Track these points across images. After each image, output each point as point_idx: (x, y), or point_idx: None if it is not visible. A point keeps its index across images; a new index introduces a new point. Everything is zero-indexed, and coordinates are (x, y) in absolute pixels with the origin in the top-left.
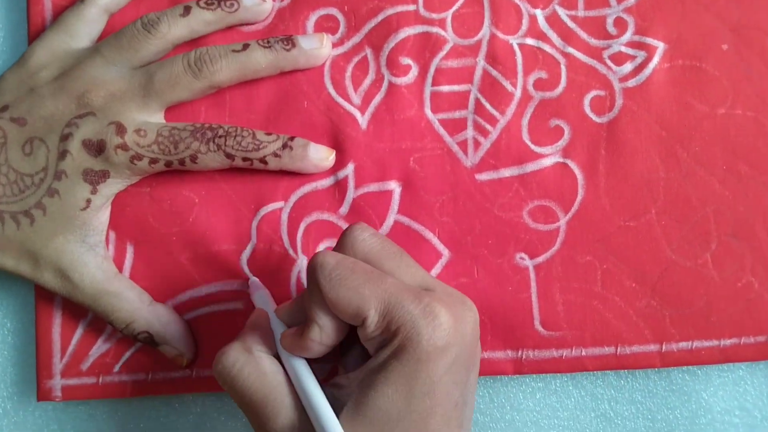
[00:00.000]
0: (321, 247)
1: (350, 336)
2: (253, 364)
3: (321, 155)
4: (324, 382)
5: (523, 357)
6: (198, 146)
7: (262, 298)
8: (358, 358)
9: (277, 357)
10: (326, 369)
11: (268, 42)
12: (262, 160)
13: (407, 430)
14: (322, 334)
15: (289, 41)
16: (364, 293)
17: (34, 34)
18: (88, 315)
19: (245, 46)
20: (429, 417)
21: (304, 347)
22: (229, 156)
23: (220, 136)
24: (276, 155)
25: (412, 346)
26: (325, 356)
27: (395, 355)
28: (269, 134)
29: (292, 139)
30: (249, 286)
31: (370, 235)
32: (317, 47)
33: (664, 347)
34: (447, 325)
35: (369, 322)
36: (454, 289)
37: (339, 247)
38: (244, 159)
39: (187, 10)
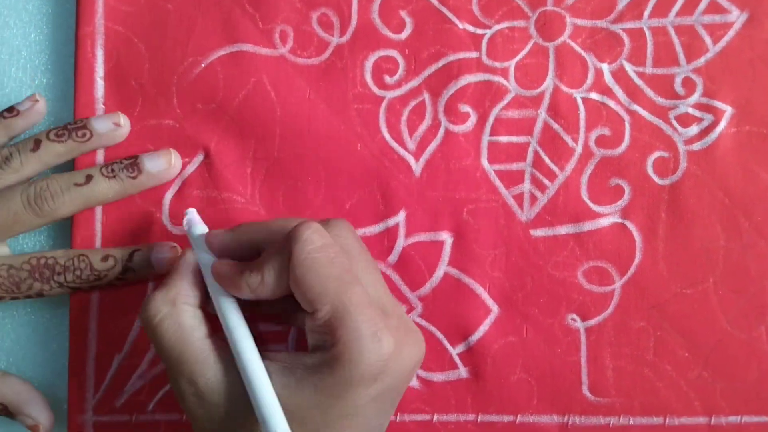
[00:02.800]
0: None
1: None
2: (173, 318)
3: (161, 166)
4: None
5: (570, 422)
6: (40, 286)
7: (194, 227)
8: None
9: (203, 310)
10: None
11: (112, 171)
12: (112, 284)
13: None
14: (261, 286)
15: (135, 167)
16: (329, 288)
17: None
18: (123, 349)
19: (88, 178)
20: None
21: (236, 286)
22: (75, 289)
23: (58, 273)
24: (120, 278)
25: (348, 364)
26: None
27: (329, 364)
28: (105, 259)
29: (131, 257)
30: (186, 221)
31: (352, 234)
32: (165, 168)
33: (713, 420)
34: (387, 355)
35: (319, 316)
36: (410, 319)
37: (327, 227)
38: (92, 287)
39: (36, 143)
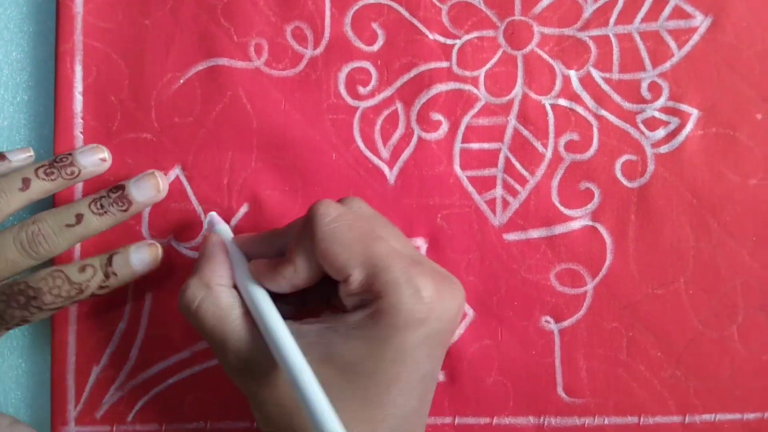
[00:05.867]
0: None
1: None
2: (212, 299)
3: (149, 194)
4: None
5: (545, 423)
6: (21, 313)
7: (222, 229)
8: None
9: (233, 287)
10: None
11: (102, 207)
12: (95, 295)
13: (368, 389)
14: (296, 274)
15: (124, 200)
16: (355, 250)
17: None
18: (101, 362)
19: (79, 218)
20: (393, 382)
21: (273, 281)
22: (56, 309)
23: (33, 297)
24: (103, 286)
25: (391, 312)
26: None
27: (373, 317)
28: (83, 270)
29: (110, 261)
30: (207, 223)
31: (366, 206)
32: (153, 195)
33: (687, 419)
34: (429, 299)
35: (352, 279)
36: (444, 269)
37: (341, 203)
38: (75, 302)
39: (26, 183)
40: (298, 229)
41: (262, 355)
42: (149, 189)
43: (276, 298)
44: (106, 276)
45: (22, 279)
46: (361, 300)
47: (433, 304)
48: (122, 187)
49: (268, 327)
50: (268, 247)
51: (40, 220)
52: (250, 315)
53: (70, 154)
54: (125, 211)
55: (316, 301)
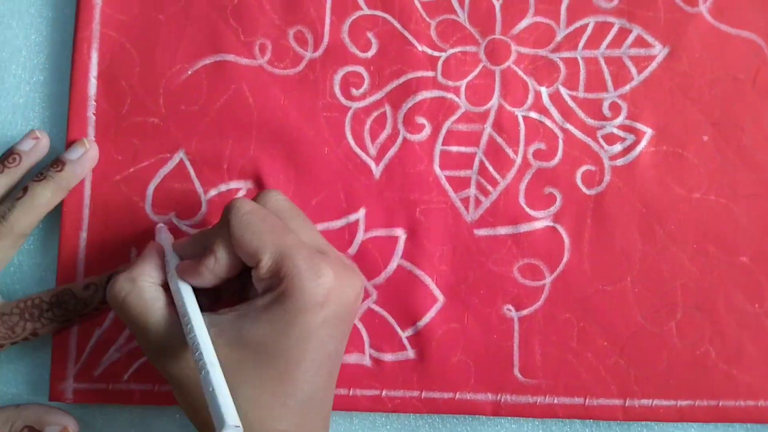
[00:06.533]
0: None
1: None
2: (136, 292)
3: (79, 152)
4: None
5: (502, 400)
6: (33, 326)
7: (163, 236)
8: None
9: (165, 288)
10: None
11: (41, 174)
12: (97, 308)
13: (278, 367)
14: (216, 265)
15: (58, 162)
16: (265, 239)
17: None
18: (103, 325)
19: (25, 189)
20: (300, 360)
21: (197, 273)
22: (66, 322)
23: (46, 311)
24: (103, 302)
25: (294, 295)
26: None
27: (278, 299)
28: (87, 287)
29: (110, 280)
30: (155, 231)
31: (284, 198)
32: (83, 152)
33: (627, 402)
34: (328, 284)
35: (262, 265)
36: (348, 259)
37: (259, 196)
38: (80, 315)
39: (24, 191)
40: (218, 224)
41: (178, 342)
42: (78, 149)
43: (201, 295)
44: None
45: (36, 295)
46: (269, 284)
47: (332, 289)
48: (57, 157)
49: (184, 314)
50: (199, 247)
51: None
52: (171, 308)
53: (10, 148)
54: (61, 171)
55: (234, 297)
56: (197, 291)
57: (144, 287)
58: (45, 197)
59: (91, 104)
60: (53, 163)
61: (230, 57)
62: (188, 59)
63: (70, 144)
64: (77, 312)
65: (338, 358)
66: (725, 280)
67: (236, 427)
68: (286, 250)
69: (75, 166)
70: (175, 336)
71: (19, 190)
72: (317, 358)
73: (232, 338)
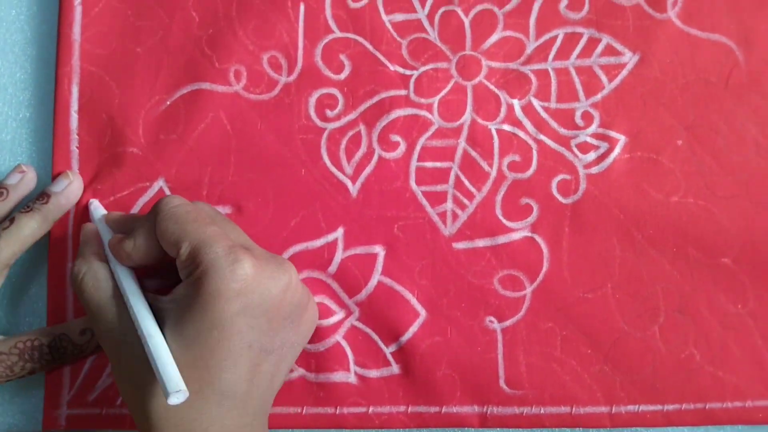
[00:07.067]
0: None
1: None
2: (92, 273)
3: (63, 185)
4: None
5: (488, 412)
6: (32, 366)
7: (96, 212)
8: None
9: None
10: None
11: (28, 206)
12: (93, 352)
13: (194, 352)
14: (135, 249)
15: (43, 195)
16: (187, 229)
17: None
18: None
19: (11, 220)
20: (216, 349)
21: (117, 255)
22: (60, 366)
23: (46, 353)
24: (99, 347)
25: (208, 281)
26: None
27: (194, 284)
28: (83, 333)
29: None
30: (89, 210)
31: (214, 209)
32: (67, 184)
33: (613, 409)
34: (246, 273)
35: (181, 252)
36: (280, 257)
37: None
38: (74, 359)
39: (10, 221)
40: (148, 213)
41: (125, 321)
42: (62, 181)
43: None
44: (84, 332)
45: (34, 336)
46: (189, 270)
47: (251, 279)
48: (43, 190)
49: (123, 292)
50: (126, 227)
51: None
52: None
53: (46, 191)
54: (46, 203)
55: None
56: (154, 273)
57: (98, 268)
58: (31, 228)
59: (74, 138)
60: (39, 196)
61: (206, 85)
62: (167, 90)
63: (55, 177)
64: (74, 356)
65: (263, 352)
66: (707, 282)
67: (178, 391)
68: (206, 239)
69: (59, 198)
70: (122, 317)
71: (6, 221)
72: (234, 348)
73: (172, 321)
